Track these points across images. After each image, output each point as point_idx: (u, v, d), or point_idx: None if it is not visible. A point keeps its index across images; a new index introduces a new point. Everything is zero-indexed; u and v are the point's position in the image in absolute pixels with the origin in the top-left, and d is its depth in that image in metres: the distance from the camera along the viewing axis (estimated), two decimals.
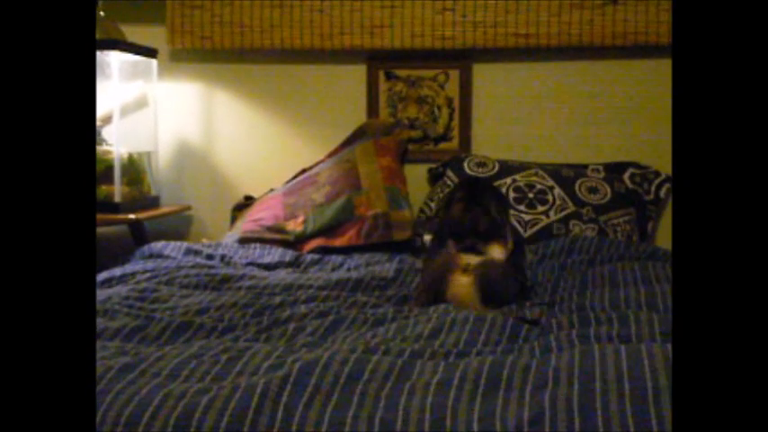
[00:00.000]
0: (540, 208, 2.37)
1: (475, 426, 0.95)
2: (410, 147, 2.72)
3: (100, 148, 2.61)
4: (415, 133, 2.75)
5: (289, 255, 2.19)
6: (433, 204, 2.55)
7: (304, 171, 2.66)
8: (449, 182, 2.52)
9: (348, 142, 2.66)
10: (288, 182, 2.65)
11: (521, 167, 2.51)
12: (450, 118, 2.74)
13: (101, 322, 1.43)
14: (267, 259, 2.15)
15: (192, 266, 1.98)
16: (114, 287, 1.79)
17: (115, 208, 2.52)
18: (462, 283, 1.59)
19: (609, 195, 2.43)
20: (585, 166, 2.58)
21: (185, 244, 2.26)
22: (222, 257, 2.16)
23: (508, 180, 2.44)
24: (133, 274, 1.89)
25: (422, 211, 2.57)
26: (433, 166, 2.68)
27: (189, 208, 2.86)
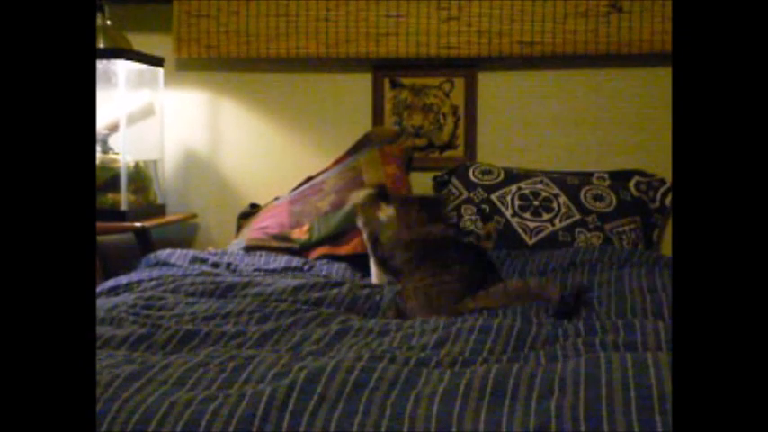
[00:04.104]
0: (545, 216, 2.37)
1: None
2: (415, 155, 2.73)
3: (106, 157, 2.62)
4: (420, 141, 2.75)
5: (294, 262, 2.20)
6: None
7: (309, 179, 2.66)
8: (454, 190, 2.52)
9: (353, 150, 2.66)
10: (293, 190, 2.65)
11: (526, 175, 2.52)
12: (456, 126, 2.74)
13: (107, 330, 1.44)
14: (273, 267, 2.16)
15: (198, 274, 1.99)
16: (120, 295, 1.80)
17: (121, 216, 2.53)
18: None
19: (614, 203, 2.43)
20: (591, 174, 2.58)
21: (191, 252, 2.27)
22: (228, 265, 2.16)
23: (513, 188, 2.44)
24: (139, 282, 1.89)
25: None
26: (439, 173, 2.69)
27: (195, 216, 2.87)
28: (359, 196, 2.13)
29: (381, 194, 2.02)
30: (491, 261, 1.84)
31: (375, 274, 2.05)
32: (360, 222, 2.09)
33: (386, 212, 1.99)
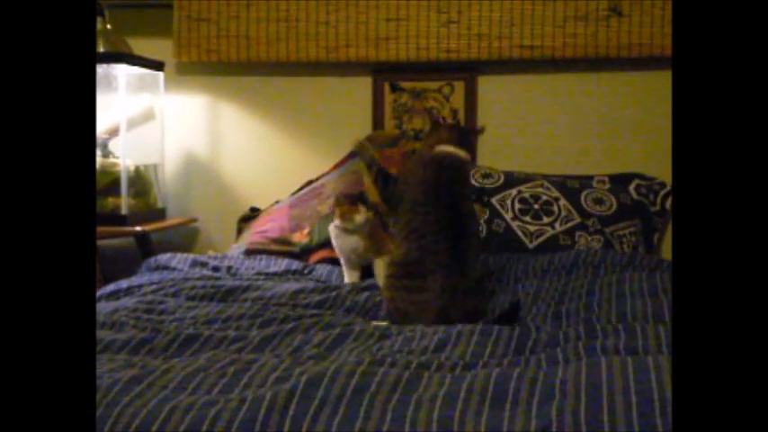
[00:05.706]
0: (546, 219, 2.37)
1: None
2: None
3: (107, 161, 2.62)
4: (421, 145, 2.75)
5: (294, 266, 2.20)
6: None
7: (310, 183, 2.67)
8: None
9: (353, 154, 2.67)
10: (293, 193, 2.66)
11: (526, 179, 2.52)
12: None
13: (108, 335, 1.44)
14: (273, 270, 2.16)
15: (199, 278, 1.99)
16: (121, 299, 1.80)
17: (122, 220, 2.54)
18: None
19: (614, 207, 2.43)
20: (591, 178, 2.58)
21: (191, 256, 2.27)
22: (228, 269, 2.17)
23: (513, 191, 2.44)
24: (140, 287, 1.90)
25: None
26: None
27: (195, 220, 2.87)
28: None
29: (362, 199, 2.02)
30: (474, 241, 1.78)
31: (347, 274, 2.05)
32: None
33: (363, 215, 2.00)
